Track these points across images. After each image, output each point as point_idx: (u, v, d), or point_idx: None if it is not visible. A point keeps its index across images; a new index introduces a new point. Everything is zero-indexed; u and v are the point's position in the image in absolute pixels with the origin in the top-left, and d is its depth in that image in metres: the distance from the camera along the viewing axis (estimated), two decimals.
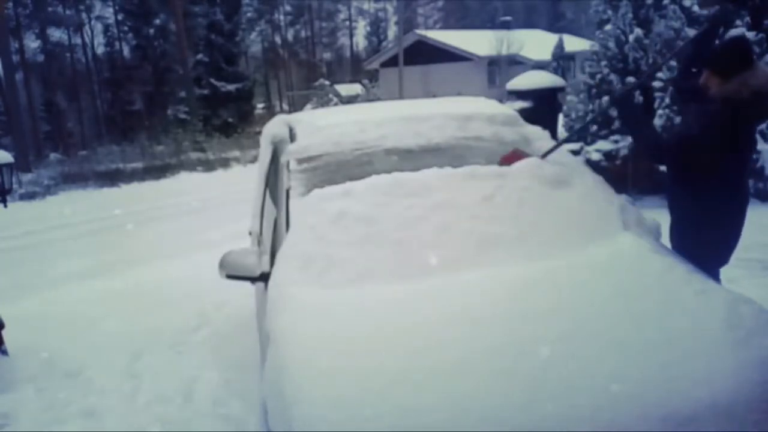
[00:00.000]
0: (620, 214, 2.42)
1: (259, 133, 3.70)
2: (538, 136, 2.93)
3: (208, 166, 16.23)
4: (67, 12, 34.72)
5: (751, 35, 6.71)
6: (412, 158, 2.66)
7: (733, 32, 5.82)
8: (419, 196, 2.35)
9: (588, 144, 7.44)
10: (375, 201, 2.35)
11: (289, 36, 44.49)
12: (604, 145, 7.26)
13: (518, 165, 2.52)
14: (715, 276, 2.68)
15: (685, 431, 1.50)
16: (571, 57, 22.36)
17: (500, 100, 4.02)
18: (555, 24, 40.92)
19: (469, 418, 1.48)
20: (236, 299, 4.45)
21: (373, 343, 1.74)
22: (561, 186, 2.47)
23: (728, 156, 2.60)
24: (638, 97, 6.66)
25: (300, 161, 2.71)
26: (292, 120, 3.07)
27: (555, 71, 16.34)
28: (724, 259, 2.84)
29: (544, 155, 2.64)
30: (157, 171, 15.47)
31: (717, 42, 3.16)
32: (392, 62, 24.13)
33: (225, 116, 22.48)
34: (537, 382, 1.57)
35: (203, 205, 10.19)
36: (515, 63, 22.69)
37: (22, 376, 3.70)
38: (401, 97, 17.74)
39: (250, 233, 3.75)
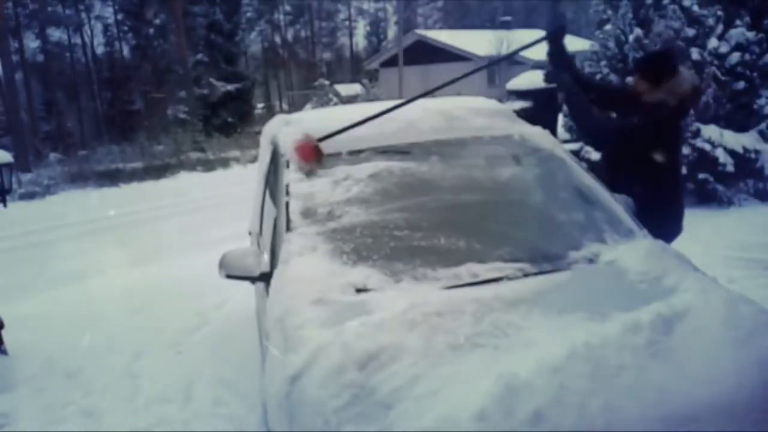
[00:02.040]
0: (630, 216, 2.45)
1: (259, 132, 3.70)
2: (539, 135, 2.93)
3: (208, 165, 16.24)
4: (67, 12, 34.74)
5: (750, 35, 6.72)
6: (411, 156, 2.66)
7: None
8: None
9: (587, 144, 7.42)
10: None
11: (289, 36, 44.51)
12: None
13: None
14: None
15: (684, 431, 1.50)
16: (571, 57, 22.32)
17: (500, 100, 4.02)
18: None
19: None
20: (236, 299, 4.45)
21: (373, 343, 1.74)
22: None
23: (658, 148, 2.90)
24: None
25: None
26: (292, 120, 3.06)
27: None
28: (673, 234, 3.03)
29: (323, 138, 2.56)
30: (157, 171, 15.48)
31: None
32: (392, 62, 24.13)
33: (225, 116, 22.48)
34: (538, 384, 1.56)
35: (203, 205, 10.20)
36: (515, 63, 22.67)
37: (22, 376, 3.70)
38: (401, 97, 17.69)
39: (250, 233, 3.75)
